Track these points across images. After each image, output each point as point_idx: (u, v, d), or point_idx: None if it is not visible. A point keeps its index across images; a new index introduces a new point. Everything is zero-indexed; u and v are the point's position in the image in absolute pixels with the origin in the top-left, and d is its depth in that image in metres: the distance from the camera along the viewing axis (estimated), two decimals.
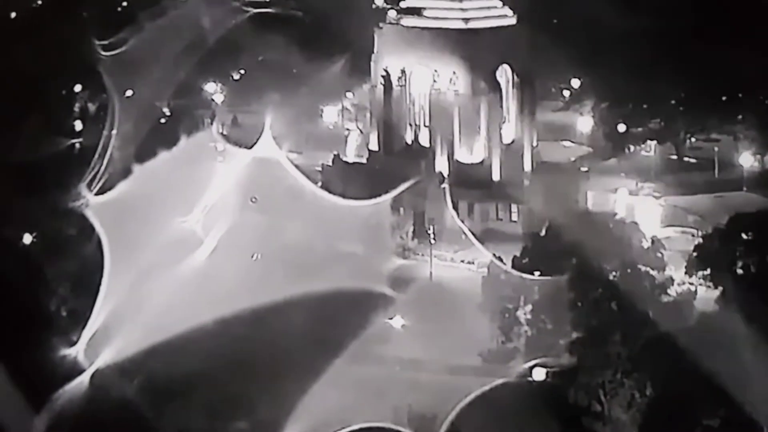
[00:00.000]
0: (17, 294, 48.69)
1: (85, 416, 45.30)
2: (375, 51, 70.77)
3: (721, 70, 74.82)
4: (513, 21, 69.55)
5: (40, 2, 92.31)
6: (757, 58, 74.42)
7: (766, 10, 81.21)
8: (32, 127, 66.46)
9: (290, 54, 77.19)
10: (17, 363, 44.90)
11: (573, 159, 75.67)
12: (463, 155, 68.07)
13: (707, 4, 76.73)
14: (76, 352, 49.04)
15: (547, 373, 46.75)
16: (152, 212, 54.22)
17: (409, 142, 70.12)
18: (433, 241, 61.15)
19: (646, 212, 68.34)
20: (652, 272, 48.31)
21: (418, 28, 68.81)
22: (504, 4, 70.18)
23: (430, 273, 60.24)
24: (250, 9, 73.77)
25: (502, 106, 68.74)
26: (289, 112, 71.64)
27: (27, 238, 56.75)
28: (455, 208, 63.29)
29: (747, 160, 75.77)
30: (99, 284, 51.02)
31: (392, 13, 70.65)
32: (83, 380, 47.63)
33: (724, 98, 77.88)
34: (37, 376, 45.56)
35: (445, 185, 64.76)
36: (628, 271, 47.97)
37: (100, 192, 58.16)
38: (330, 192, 60.05)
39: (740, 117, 78.22)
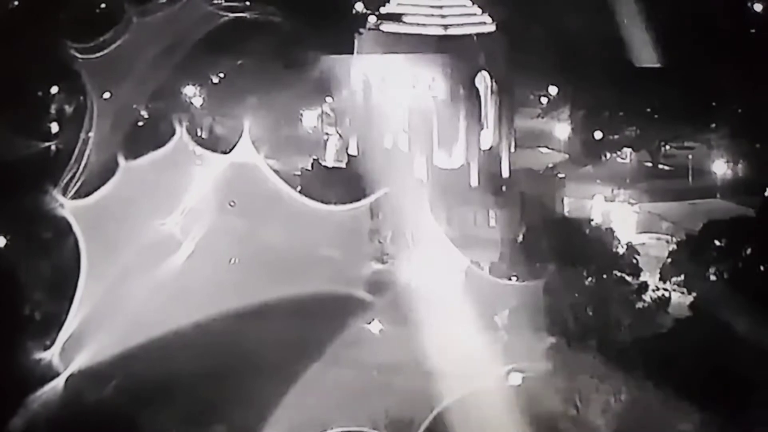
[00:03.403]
0: None
1: (60, 420, 44.87)
2: (355, 56, 70.98)
3: (695, 79, 76.05)
4: (492, 28, 70.09)
5: (16, 3, 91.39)
6: (730, 68, 75.76)
7: (741, 21, 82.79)
8: (7, 128, 65.70)
9: (269, 58, 77.08)
10: None
11: (550, 165, 76.22)
12: (441, 161, 68.41)
13: (683, 14, 77.88)
14: (50, 355, 48.50)
15: (523, 378, 47.09)
16: (130, 215, 53.84)
17: (388, 147, 70.37)
18: (411, 246, 61.34)
19: (622, 218, 69.18)
20: (627, 278, 48.86)
21: (398, 33, 69.10)
22: (483, 12, 70.75)
23: (408, 278, 60.50)
24: (227, 14, 73.52)
25: (480, 113, 69.17)
26: (268, 117, 71.57)
27: (1, 241, 56.14)
28: (433, 213, 63.51)
29: (720, 168, 76.99)
30: (75, 287, 50.53)
31: (372, 19, 70.90)
32: (58, 384, 47.14)
33: (698, 107, 79.11)
34: (10, 379, 45.07)
35: (424, 190, 65.00)
36: (604, 276, 48.50)
37: (77, 195, 57.57)
38: (309, 196, 59.97)
39: (714, 126, 79.55)
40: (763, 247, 47.81)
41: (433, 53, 67.50)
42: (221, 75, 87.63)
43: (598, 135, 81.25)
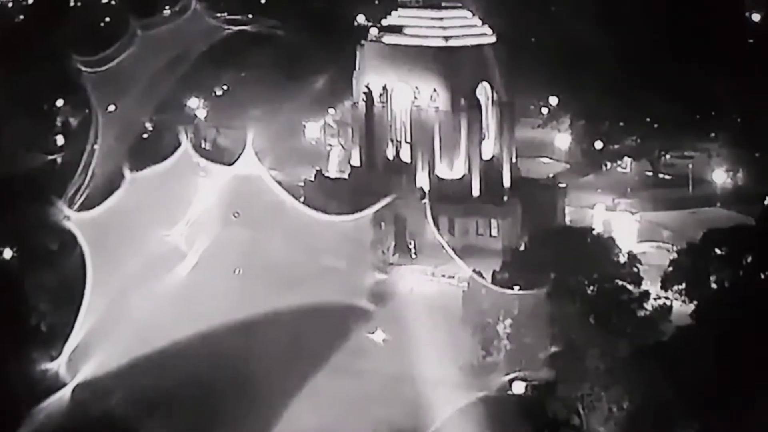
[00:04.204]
0: None
1: (66, 431, 45.12)
2: (357, 68, 71.67)
3: (694, 89, 76.59)
4: (492, 39, 70.77)
5: (22, 17, 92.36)
6: (729, 78, 76.28)
7: (739, 30, 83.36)
8: (13, 141, 66.33)
9: (273, 71, 77.80)
10: None
11: (551, 175, 76.72)
12: (443, 171, 68.88)
13: (682, 24, 78.49)
14: (56, 366, 48.78)
15: (526, 387, 47.34)
16: (135, 226, 54.26)
17: (391, 157, 70.85)
18: (414, 256, 61.75)
19: (623, 227, 69.62)
20: (628, 286, 49.01)
21: (400, 45, 69.81)
22: (484, 23, 71.41)
23: (411, 288, 60.76)
24: (230, 27, 74.35)
25: (481, 123, 69.74)
26: (271, 128, 72.13)
27: (7, 253, 56.61)
28: (436, 223, 63.93)
29: (720, 176, 77.41)
30: (81, 298, 50.84)
31: (374, 31, 71.61)
32: (64, 395, 47.38)
33: (697, 116, 79.64)
34: (17, 390, 45.33)
35: (426, 200, 65.44)
36: (606, 285, 48.70)
37: (83, 206, 58.05)
38: (312, 207, 60.42)
39: (713, 135, 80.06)
40: (763, 255, 47.98)
41: (435, 65, 68.19)
42: (225, 87, 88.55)
43: (598, 145, 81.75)
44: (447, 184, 68.22)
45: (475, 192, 68.74)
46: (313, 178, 72.90)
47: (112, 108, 69.84)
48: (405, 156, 70.26)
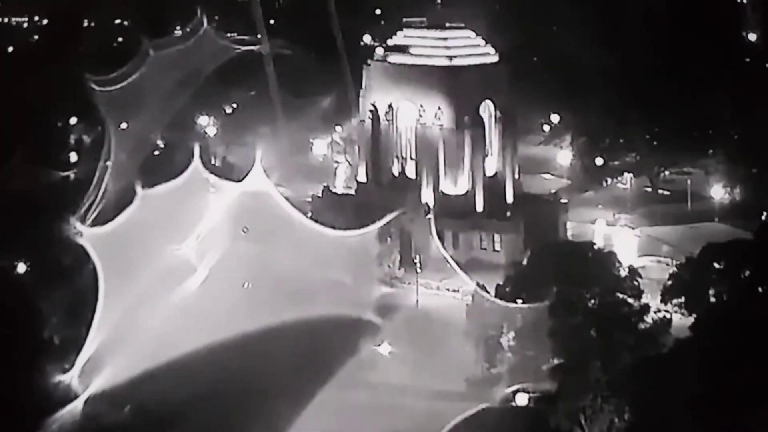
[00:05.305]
0: (11, 321, 49.37)
1: None
2: (363, 87, 73.08)
3: (693, 106, 77.80)
4: (495, 59, 72.21)
5: (36, 37, 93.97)
6: (727, 96, 77.55)
7: (736, 49, 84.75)
8: (27, 158, 67.52)
9: (281, 89, 79.06)
10: (10, 389, 45.49)
11: (553, 191, 77.90)
12: (447, 187, 70.04)
13: (681, 44, 79.86)
14: (69, 378, 49.71)
15: (529, 399, 48.18)
16: (146, 241, 55.26)
17: (396, 174, 72.06)
18: (419, 270, 62.73)
19: (623, 242, 70.61)
20: (629, 300, 49.85)
21: (405, 65, 71.23)
22: (487, 43, 72.86)
23: (417, 301, 61.65)
24: (240, 47, 75.89)
25: (485, 140, 70.99)
26: (279, 145, 73.45)
27: (21, 267, 57.69)
28: (440, 237, 64.93)
29: (718, 192, 78.36)
30: (93, 312, 51.80)
31: (380, 51, 73.08)
32: (76, 406, 48.28)
33: (696, 134, 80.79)
34: (30, 402, 46.19)
35: (431, 216, 66.49)
36: (607, 299, 49.54)
37: (95, 222, 59.18)
38: (319, 222, 61.42)
39: (711, 151, 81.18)
40: (761, 269, 48.71)
41: (439, 83, 69.46)
42: (234, 105, 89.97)
43: (599, 161, 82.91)
44: (451, 200, 69.29)
45: (479, 207, 69.80)
46: (320, 194, 73.98)
47: (124, 126, 71.27)
48: (410, 172, 71.43)
